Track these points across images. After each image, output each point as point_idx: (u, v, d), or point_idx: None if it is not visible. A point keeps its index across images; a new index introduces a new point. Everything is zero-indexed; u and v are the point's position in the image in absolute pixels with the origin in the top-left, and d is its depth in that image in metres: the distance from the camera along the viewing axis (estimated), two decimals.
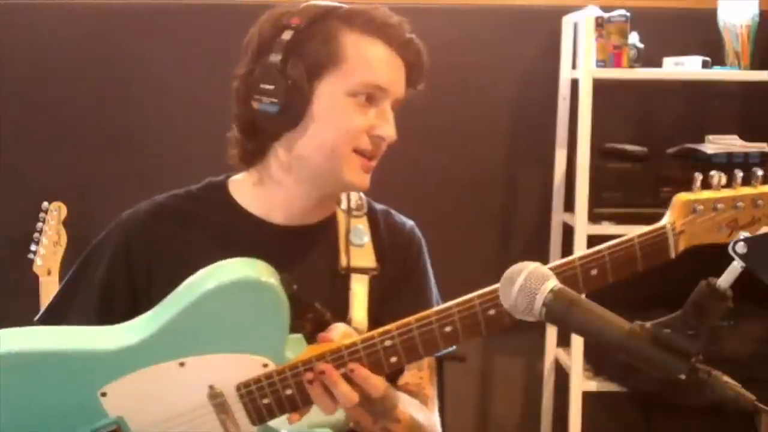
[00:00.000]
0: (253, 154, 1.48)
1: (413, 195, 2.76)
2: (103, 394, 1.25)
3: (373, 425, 1.35)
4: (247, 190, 1.51)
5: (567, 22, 3.03)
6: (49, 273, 2.76)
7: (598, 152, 2.91)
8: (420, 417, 1.43)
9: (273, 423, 1.30)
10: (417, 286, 1.53)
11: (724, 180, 1.21)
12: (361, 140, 1.41)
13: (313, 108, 1.40)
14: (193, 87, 2.93)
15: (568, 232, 3.02)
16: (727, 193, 1.21)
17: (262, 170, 1.48)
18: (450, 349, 1.54)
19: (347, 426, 1.37)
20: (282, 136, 1.43)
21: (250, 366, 1.25)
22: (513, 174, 3.16)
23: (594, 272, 1.22)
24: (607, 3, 2.90)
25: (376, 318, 1.42)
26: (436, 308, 1.27)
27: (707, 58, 2.90)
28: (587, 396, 2.90)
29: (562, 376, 3.11)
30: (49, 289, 2.72)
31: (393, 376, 1.42)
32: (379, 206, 1.58)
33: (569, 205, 3.01)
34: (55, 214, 2.81)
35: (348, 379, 1.25)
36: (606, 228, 2.83)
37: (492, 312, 1.24)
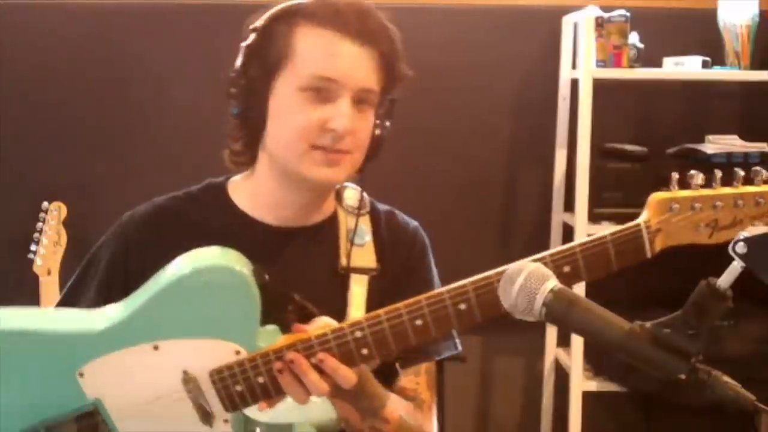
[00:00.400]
0: (242, 156, 1.48)
1: (413, 195, 2.76)
2: (81, 375, 1.27)
3: (361, 423, 1.35)
4: (244, 191, 1.51)
5: (567, 22, 3.03)
6: (49, 273, 2.76)
7: (598, 152, 2.91)
8: (411, 420, 1.43)
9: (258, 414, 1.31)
10: (420, 286, 1.52)
11: (702, 180, 1.20)
12: (316, 136, 1.38)
13: (271, 107, 1.40)
14: (193, 87, 2.93)
15: (568, 232, 3.02)
16: (705, 192, 1.19)
17: (254, 174, 1.50)
18: (454, 352, 1.55)
19: (338, 426, 1.37)
20: (260, 137, 1.44)
21: (222, 352, 1.26)
22: (513, 174, 3.16)
23: (567, 269, 1.21)
24: (607, 3, 2.90)
25: None
26: (405, 301, 1.26)
27: (707, 58, 2.90)
28: (587, 396, 2.90)
29: (562, 376, 3.11)
30: (49, 289, 2.72)
31: (389, 380, 1.42)
32: (383, 206, 1.58)
33: (569, 205, 3.01)
34: (55, 214, 2.82)
35: (318, 369, 1.25)
36: (606, 228, 2.80)
37: (462, 307, 1.23)
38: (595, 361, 2.95)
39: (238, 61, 1.41)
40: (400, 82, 1.47)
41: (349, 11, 1.39)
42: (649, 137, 3.05)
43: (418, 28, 2.97)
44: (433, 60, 2.94)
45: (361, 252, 1.49)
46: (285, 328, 1.30)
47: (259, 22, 1.41)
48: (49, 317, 1.35)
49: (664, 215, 1.20)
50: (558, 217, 3.11)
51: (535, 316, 1.02)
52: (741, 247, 0.96)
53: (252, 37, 1.41)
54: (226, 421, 1.28)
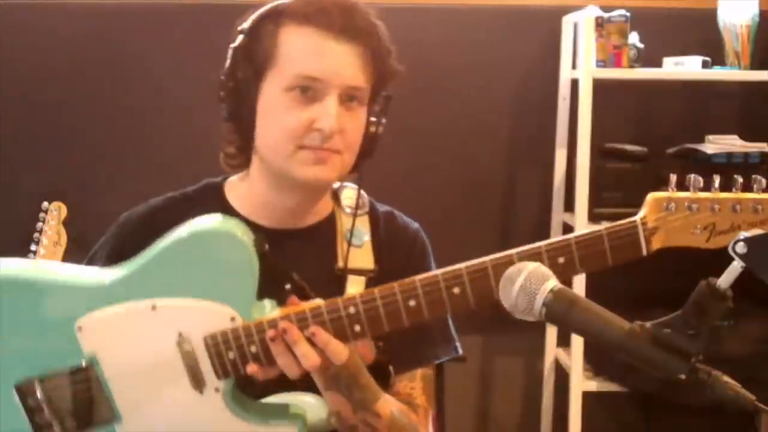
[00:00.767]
0: (236, 158, 1.48)
1: (413, 195, 2.76)
2: (79, 328, 1.29)
3: (353, 416, 1.35)
4: (239, 192, 1.51)
5: (567, 22, 3.03)
6: None
7: (598, 152, 2.91)
8: (404, 419, 1.42)
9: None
10: None
11: (701, 184, 1.20)
12: (303, 136, 1.38)
13: (259, 108, 1.40)
14: (193, 87, 2.92)
15: (568, 232, 3.00)
16: (703, 194, 1.19)
17: (249, 176, 1.50)
18: (454, 355, 1.55)
19: (330, 426, 1.37)
20: (252, 140, 1.43)
21: (218, 317, 1.27)
22: (513, 174, 3.16)
23: (561, 260, 1.21)
24: (607, 3, 2.90)
25: None
26: (400, 281, 1.26)
27: (707, 58, 2.90)
28: (587, 396, 2.90)
29: (562, 376, 3.11)
30: None
31: (383, 383, 1.42)
32: (383, 207, 1.57)
33: (569, 205, 3.01)
34: (55, 214, 2.81)
35: (311, 342, 1.25)
36: None
37: (456, 290, 1.24)
38: (595, 361, 2.95)
39: (227, 64, 1.40)
40: (392, 78, 1.46)
41: (334, 8, 1.38)
42: (649, 137, 3.05)
43: (418, 28, 2.97)
44: (433, 60, 2.93)
45: (358, 253, 1.48)
46: (281, 305, 1.31)
47: (246, 24, 1.41)
48: (49, 269, 1.37)
49: (661, 213, 1.20)
50: (558, 217, 3.11)
51: (535, 316, 1.02)
52: (741, 247, 0.96)
53: (239, 38, 1.40)
54: (217, 389, 1.29)
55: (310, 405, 1.36)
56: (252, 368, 1.27)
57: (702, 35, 2.98)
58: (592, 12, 2.83)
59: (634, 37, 2.88)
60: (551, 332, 3.16)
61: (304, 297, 1.34)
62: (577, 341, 2.87)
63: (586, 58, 2.81)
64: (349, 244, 1.48)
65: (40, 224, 2.80)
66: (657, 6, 3.09)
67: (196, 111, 2.88)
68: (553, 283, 1.02)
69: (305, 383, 1.34)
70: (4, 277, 1.32)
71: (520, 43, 3.09)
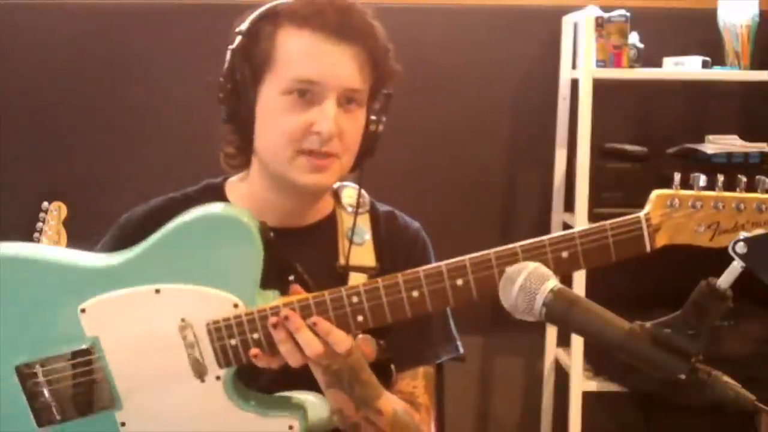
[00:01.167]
0: (236, 159, 1.49)
1: (413, 195, 2.76)
2: (83, 311, 1.28)
3: (355, 413, 1.35)
4: (240, 192, 1.52)
5: (567, 22, 3.03)
6: None
7: (598, 152, 2.91)
8: (406, 417, 1.42)
9: None
10: None
11: (704, 182, 1.20)
12: (302, 140, 1.38)
13: (258, 111, 1.40)
14: (193, 87, 2.92)
15: None
16: (707, 192, 1.20)
17: (249, 177, 1.50)
18: (455, 355, 1.55)
19: (331, 424, 1.37)
20: (251, 141, 1.43)
21: (221, 304, 1.27)
22: (513, 174, 3.16)
23: (565, 255, 1.22)
24: (607, 3, 2.90)
25: None
26: (404, 273, 1.27)
27: (707, 58, 2.90)
28: (587, 396, 2.90)
29: (562, 376, 3.11)
30: None
31: (385, 382, 1.42)
32: (383, 207, 1.57)
33: (569, 205, 3.01)
34: (55, 214, 2.81)
35: (313, 331, 1.25)
36: None
37: (459, 282, 1.24)
38: (595, 361, 2.95)
39: (225, 66, 1.40)
40: (390, 78, 1.45)
41: (330, 9, 1.37)
42: (649, 137, 3.05)
43: (418, 28, 2.97)
44: (433, 60, 2.93)
45: (360, 251, 1.49)
46: (285, 296, 1.31)
47: (243, 25, 1.40)
48: (53, 251, 1.36)
49: (665, 210, 1.21)
50: (558, 217, 3.11)
51: (535, 316, 1.02)
52: (741, 247, 0.97)
53: (237, 40, 1.40)
54: (218, 378, 1.29)
55: (311, 403, 1.36)
56: (254, 352, 1.27)
57: (702, 35, 2.98)
58: (592, 12, 2.83)
59: (634, 37, 2.88)
60: (551, 332, 3.16)
61: (307, 289, 1.34)
62: (577, 341, 2.87)
63: (586, 58, 2.81)
64: (351, 241, 1.48)
65: (40, 224, 2.80)
66: (657, 6, 3.09)
67: (196, 111, 2.88)
68: (553, 283, 1.02)
69: (307, 382, 1.34)
70: (7, 256, 1.31)
71: (520, 43, 3.09)
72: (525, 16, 3.09)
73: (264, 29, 1.39)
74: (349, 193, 1.54)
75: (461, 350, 1.55)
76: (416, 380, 1.50)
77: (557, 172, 3.09)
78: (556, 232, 1.24)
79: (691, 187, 1.21)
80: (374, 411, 1.36)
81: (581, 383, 2.90)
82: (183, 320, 1.27)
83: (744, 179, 1.18)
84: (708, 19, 2.94)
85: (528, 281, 1.02)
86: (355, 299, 1.26)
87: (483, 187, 3.14)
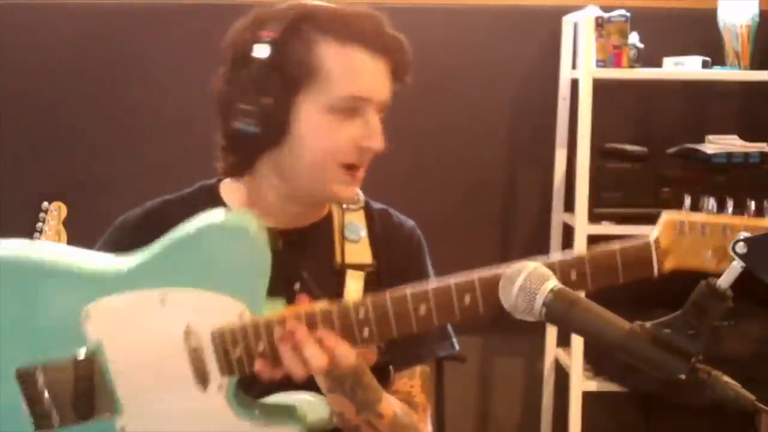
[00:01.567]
0: (238, 167, 1.46)
1: (413, 195, 2.76)
2: (86, 314, 1.27)
3: (356, 416, 1.34)
4: (237, 193, 1.50)
5: (567, 22, 3.03)
6: None
7: (598, 152, 2.91)
8: (405, 419, 1.42)
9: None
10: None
11: (714, 205, 1.20)
12: (347, 154, 1.38)
13: (293, 125, 1.37)
14: (193, 87, 2.92)
15: (568, 232, 3.02)
16: (716, 219, 1.19)
17: (250, 182, 1.47)
18: (451, 352, 1.55)
19: (331, 425, 1.37)
20: (266, 152, 1.41)
21: (227, 311, 1.26)
22: (513, 174, 3.16)
23: (573, 276, 1.21)
24: (607, 3, 2.90)
25: None
26: (411, 287, 1.26)
27: (707, 58, 2.90)
28: (587, 396, 2.91)
29: (562, 376, 3.11)
30: None
31: (381, 383, 1.42)
32: (377, 205, 1.57)
33: (569, 205, 3.01)
34: (55, 214, 2.81)
35: (319, 343, 1.24)
36: (606, 228, 2.83)
37: (467, 299, 1.23)
38: (595, 361, 2.95)
39: (252, 75, 1.35)
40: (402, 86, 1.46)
41: (369, 25, 1.37)
42: (649, 137, 3.05)
43: (418, 28, 2.95)
44: (433, 60, 2.93)
45: (356, 248, 1.49)
46: (290, 304, 1.30)
47: (269, 33, 1.36)
48: (57, 251, 1.34)
49: (674, 235, 1.20)
50: (558, 217, 3.11)
51: (535, 316, 1.02)
52: (741, 247, 0.96)
53: (263, 49, 1.35)
54: (220, 387, 1.27)
55: (310, 404, 1.36)
56: (259, 365, 1.26)
57: (702, 35, 2.98)
58: (592, 12, 2.83)
59: (634, 37, 2.89)
60: (551, 332, 3.16)
61: (313, 297, 1.33)
62: (577, 341, 2.87)
63: (586, 58, 2.82)
64: (344, 238, 1.48)
65: (40, 224, 2.80)
66: (657, 6, 3.09)
67: (195, 111, 2.88)
68: (553, 283, 1.02)
69: (306, 382, 1.34)
70: (10, 258, 1.30)
71: (520, 43, 3.09)
72: (525, 16, 3.09)
73: (297, 40, 1.36)
74: None
75: (456, 347, 1.55)
76: (413, 379, 1.50)
77: (557, 172, 3.09)
78: (566, 253, 1.23)
79: (700, 210, 1.20)
80: (375, 414, 1.36)
81: (581, 383, 2.90)
82: (188, 326, 1.26)
83: (753, 205, 1.17)
84: (708, 19, 2.94)
85: (528, 281, 1.02)
86: (362, 313, 1.25)
87: (483, 187, 3.14)
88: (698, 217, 1.20)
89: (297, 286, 1.37)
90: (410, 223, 1.58)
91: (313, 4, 1.40)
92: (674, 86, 3.07)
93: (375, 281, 1.47)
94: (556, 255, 1.22)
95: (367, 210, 1.54)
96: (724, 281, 0.97)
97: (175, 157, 2.95)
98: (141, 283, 1.27)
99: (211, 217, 1.30)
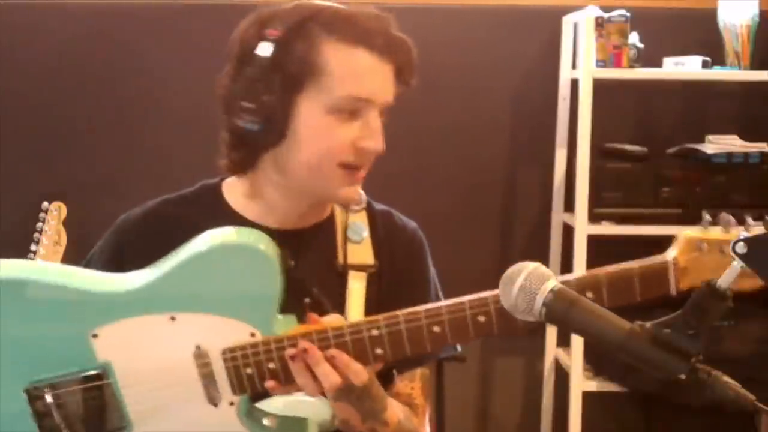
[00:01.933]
0: (241, 164, 1.46)
1: (413, 195, 2.76)
2: (95, 336, 1.27)
3: (361, 425, 1.35)
4: (240, 194, 1.50)
5: (567, 22, 3.03)
6: None
7: (598, 152, 2.91)
8: (408, 425, 1.43)
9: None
10: (417, 288, 1.52)
11: (733, 222, 1.18)
12: (346, 154, 1.37)
13: (294, 124, 1.36)
14: (193, 87, 2.92)
15: (568, 232, 3.02)
16: (734, 236, 1.18)
17: (253, 179, 1.47)
18: (453, 353, 1.55)
19: (333, 426, 1.37)
20: (268, 150, 1.41)
21: (237, 332, 1.26)
22: (513, 174, 3.16)
23: (590, 294, 1.20)
24: (607, 3, 2.90)
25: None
26: (425, 306, 1.26)
27: (707, 58, 2.90)
28: (587, 396, 2.90)
29: (562, 376, 3.11)
30: None
31: (384, 385, 1.42)
32: (380, 206, 1.57)
33: (569, 205, 3.01)
34: (55, 214, 2.81)
35: (331, 363, 1.24)
36: (606, 228, 2.83)
37: (482, 319, 1.23)
38: (595, 361, 2.95)
39: (255, 73, 1.35)
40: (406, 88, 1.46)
41: (375, 27, 1.37)
42: (649, 137, 3.05)
43: (419, 28, 2.94)
44: (433, 60, 2.92)
45: (358, 249, 1.48)
46: (299, 320, 1.29)
47: (274, 32, 1.36)
48: (69, 273, 1.33)
49: (693, 254, 1.19)
50: (558, 217, 3.11)
51: (535, 316, 1.02)
52: (741, 247, 0.96)
53: (267, 47, 1.35)
54: (231, 403, 1.27)
55: (313, 405, 1.36)
56: (270, 384, 1.26)
57: (702, 35, 2.98)
58: (592, 12, 2.83)
59: (634, 37, 2.88)
60: (551, 332, 3.15)
61: (321, 312, 1.33)
62: (577, 341, 2.87)
63: (586, 58, 2.82)
64: (347, 239, 1.48)
65: (40, 224, 2.80)
66: (657, 6, 3.09)
67: (196, 111, 2.88)
68: (553, 283, 1.02)
69: None
70: (21, 279, 1.29)
71: (520, 43, 3.09)
72: (525, 16, 3.09)
73: (302, 39, 1.35)
74: None
75: (459, 348, 1.55)
76: (414, 382, 1.50)
77: (557, 172, 3.09)
78: (584, 271, 1.23)
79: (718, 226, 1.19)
80: (381, 423, 1.36)
81: (581, 383, 2.90)
82: (198, 347, 1.26)
83: (750, 219, 1.16)
84: (708, 19, 2.94)
85: (528, 281, 1.02)
86: (374, 332, 1.25)
87: (483, 187, 3.14)
88: (717, 235, 1.19)
89: (307, 300, 1.36)
90: (413, 224, 1.58)
91: (318, 4, 1.40)
92: (674, 86, 3.07)
93: (377, 282, 1.47)
94: (577, 272, 1.22)
95: (370, 211, 1.53)
96: (724, 281, 0.97)
97: (176, 157, 2.95)
98: (149, 306, 1.27)
99: (223, 235, 1.29)
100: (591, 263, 2.78)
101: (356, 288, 1.44)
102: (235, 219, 1.47)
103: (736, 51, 2.91)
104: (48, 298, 1.28)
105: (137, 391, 1.28)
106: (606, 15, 2.85)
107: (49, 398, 1.27)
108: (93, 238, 1.54)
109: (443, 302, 1.26)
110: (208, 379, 1.26)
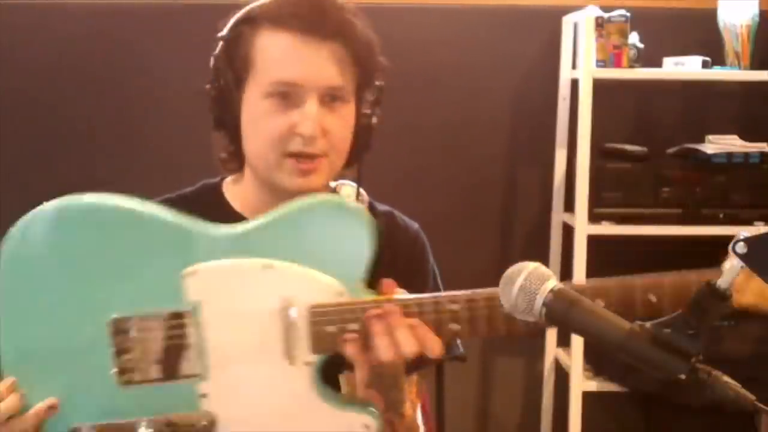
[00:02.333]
0: (229, 162, 1.49)
1: (413, 195, 2.76)
2: (188, 274, 1.26)
3: (383, 412, 1.34)
4: (236, 193, 1.51)
5: (567, 22, 3.03)
6: None
7: (598, 152, 2.91)
8: (416, 421, 1.44)
9: None
10: (421, 288, 1.51)
11: None
12: (286, 143, 1.37)
13: (242, 118, 1.40)
14: (193, 87, 2.92)
15: (568, 232, 3.02)
16: None
17: (242, 176, 1.50)
18: (456, 352, 1.55)
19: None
20: (240, 146, 1.43)
21: (326, 290, 1.26)
22: (513, 174, 3.16)
23: (653, 298, 1.21)
24: (607, 3, 2.90)
25: None
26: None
27: (707, 58, 2.90)
28: (587, 396, 2.91)
29: (562, 376, 3.11)
30: None
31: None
32: (382, 207, 1.57)
33: (569, 205, 3.01)
34: None
35: (410, 330, 1.24)
36: (606, 228, 2.83)
37: None
38: (595, 361, 2.95)
39: (211, 72, 1.41)
40: (378, 71, 1.44)
41: (306, 10, 1.36)
42: (649, 137, 3.05)
43: (419, 28, 2.97)
44: (433, 60, 2.93)
45: None
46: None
47: (224, 30, 1.41)
48: (167, 211, 1.32)
49: (743, 276, 1.19)
50: (558, 217, 3.11)
51: (535, 316, 1.02)
52: (741, 247, 0.96)
53: (219, 46, 1.40)
54: (307, 363, 1.26)
55: None
56: (350, 347, 1.25)
57: (702, 35, 2.98)
58: (592, 12, 2.83)
59: (634, 37, 2.88)
60: (551, 332, 3.15)
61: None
62: (577, 341, 2.87)
63: (586, 58, 2.82)
64: None
65: None
66: (657, 6, 3.09)
67: (196, 111, 2.88)
68: (553, 282, 1.02)
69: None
70: (121, 208, 1.29)
71: (520, 43, 3.09)
72: (525, 16, 3.09)
73: (243, 34, 1.39)
74: (348, 191, 1.54)
75: (461, 349, 1.55)
76: (411, 386, 1.50)
77: (557, 172, 3.09)
78: (649, 275, 1.23)
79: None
80: (399, 415, 1.37)
81: (581, 383, 2.90)
82: (286, 299, 1.25)
83: None
84: (708, 19, 2.95)
85: (528, 281, 1.02)
86: (455, 306, 1.25)
87: (483, 187, 3.14)
88: None
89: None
90: (415, 225, 1.58)
91: (261, 2, 1.41)
92: (674, 86, 3.08)
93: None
94: (637, 277, 1.22)
95: (371, 211, 1.53)
96: (724, 281, 0.97)
97: (176, 157, 2.94)
98: (246, 252, 1.27)
99: (325, 197, 1.33)
100: (591, 263, 2.78)
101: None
102: (236, 218, 1.47)
103: (736, 51, 2.91)
104: (145, 230, 1.29)
105: (220, 337, 1.26)
106: (606, 15, 2.85)
107: (133, 332, 1.26)
108: None
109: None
110: (289, 332, 1.25)
